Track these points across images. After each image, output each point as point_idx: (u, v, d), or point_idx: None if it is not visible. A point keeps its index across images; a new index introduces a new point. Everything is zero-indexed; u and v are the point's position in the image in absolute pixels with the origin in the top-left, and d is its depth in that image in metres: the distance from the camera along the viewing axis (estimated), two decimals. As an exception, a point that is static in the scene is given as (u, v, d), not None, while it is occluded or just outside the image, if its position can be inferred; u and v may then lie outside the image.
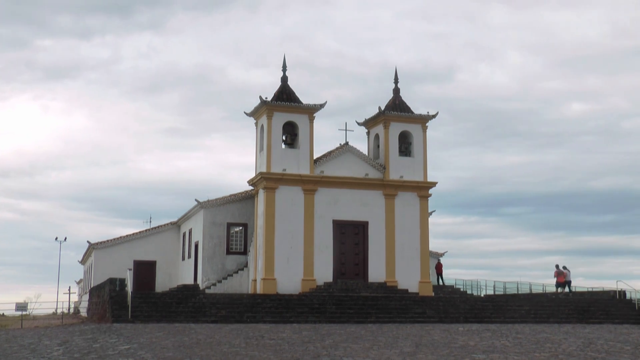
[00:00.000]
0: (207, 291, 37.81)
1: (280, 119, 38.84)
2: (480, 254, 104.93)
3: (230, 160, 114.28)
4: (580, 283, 46.30)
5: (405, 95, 38.59)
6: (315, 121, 39.43)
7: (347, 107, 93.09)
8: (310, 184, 38.59)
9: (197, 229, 42.22)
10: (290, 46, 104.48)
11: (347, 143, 40.17)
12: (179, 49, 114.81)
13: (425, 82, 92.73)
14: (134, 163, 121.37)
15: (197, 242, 41.83)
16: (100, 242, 46.43)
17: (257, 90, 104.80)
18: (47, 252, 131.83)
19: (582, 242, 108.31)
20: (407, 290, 38.47)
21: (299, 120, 39.11)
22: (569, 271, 42.36)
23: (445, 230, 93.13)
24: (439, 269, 45.23)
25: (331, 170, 39.28)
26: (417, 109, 40.95)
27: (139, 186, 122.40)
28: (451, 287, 44.50)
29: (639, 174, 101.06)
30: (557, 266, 42.52)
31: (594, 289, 44.52)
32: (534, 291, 45.97)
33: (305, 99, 39.97)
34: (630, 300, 39.07)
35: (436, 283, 44.22)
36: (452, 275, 50.44)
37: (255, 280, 38.41)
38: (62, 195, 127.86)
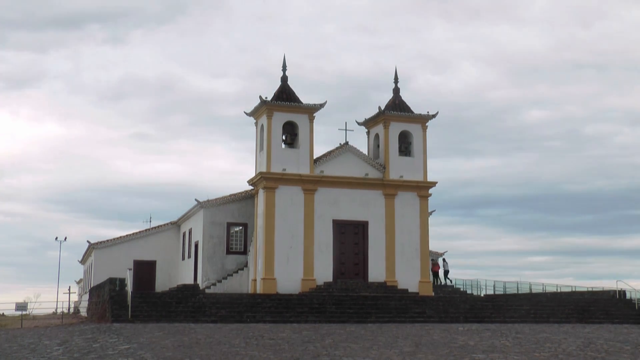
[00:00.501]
0: (207, 291, 37.81)
1: (280, 118, 38.84)
2: (467, 254, 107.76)
3: (203, 164, 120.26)
4: (570, 283, 47.08)
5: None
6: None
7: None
8: (310, 184, 38.60)
9: (197, 228, 42.22)
10: (246, 57, 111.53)
11: (347, 143, 40.16)
12: (138, 60, 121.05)
13: (381, 90, 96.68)
14: (107, 166, 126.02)
15: (197, 241, 41.83)
16: (100, 242, 46.43)
17: (221, 98, 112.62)
18: (35, 252, 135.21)
19: (565, 243, 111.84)
20: (407, 290, 38.47)
21: (299, 120, 39.12)
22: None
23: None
24: (434, 268, 45.17)
25: (331, 170, 39.28)
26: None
27: (115, 188, 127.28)
28: (451, 286, 44.50)
29: (608, 177, 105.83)
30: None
31: (594, 289, 44.57)
32: (534, 291, 46.00)
33: (304, 98, 39.99)
34: (630, 300, 39.09)
35: (438, 282, 44.21)
36: (451, 275, 50.74)
37: (255, 280, 38.41)
38: (38, 197, 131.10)
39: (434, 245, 45.06)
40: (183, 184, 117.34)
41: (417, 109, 41.35)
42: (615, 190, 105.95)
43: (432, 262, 45.02)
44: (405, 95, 41.67)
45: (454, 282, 46.20)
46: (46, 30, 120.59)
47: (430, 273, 44.84)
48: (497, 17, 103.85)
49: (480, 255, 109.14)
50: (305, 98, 39.62)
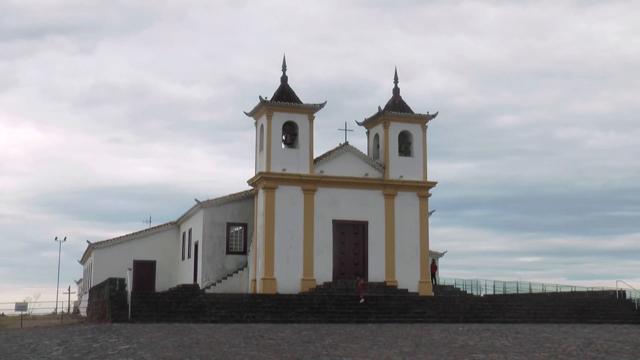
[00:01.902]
0: (206, 291, 37.80)
1: (280, 118, 38.83)
2: (456, 255, 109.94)
3: (182, 167, 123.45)
4: (563, 283, 47.50)
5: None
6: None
7: None
8: (310, 184, 38.59)
9: (196, 228, 42.21)
10: (214, 65, 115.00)
11: (347, 143, 40.15)
12: (108, 69, 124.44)
13: (350, 97, 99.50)
14: (87, 170, 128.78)
15: (197, 242, 41.82)
16: (100, 242, 46.41)
17: (194, 104, 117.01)
18: (26, 253, 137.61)
19: (552, 244, 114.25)
20: (406, 290, 38.46)
21: (299, 120, 39.10)
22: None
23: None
24: (432, 269, 44.92)
25: (331, 170, 39.27)
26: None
27: (97, 190, 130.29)
28: (450, 286, 44.46)
29: (585, 179, 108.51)
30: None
31: (593, 289, 44.57)
32: (533, 291, 45.99)
33: (304, 98, 39.99)
34: (630, 300, 39.10)
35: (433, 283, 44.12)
36: (448, 275, 51.01)
37: (255, 280, 38.40)
38: (20, 200, 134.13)
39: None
40: (165, 186, 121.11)
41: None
42: (592, 192, 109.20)
43: (432, 263, 45.00)
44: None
45: (453, 283, 46.16)
46: (13, 41, 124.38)
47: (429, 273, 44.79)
48: (453, 28, 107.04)
49: (470, 256, 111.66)
50: None
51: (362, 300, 33.62)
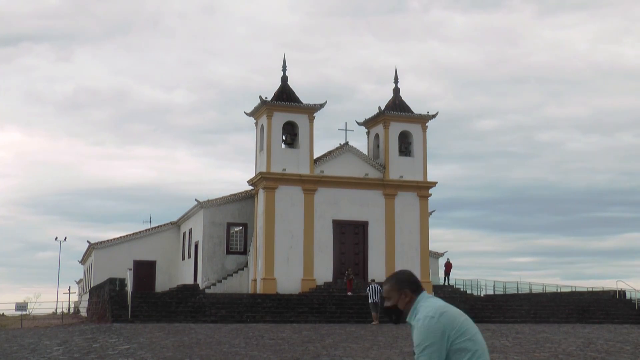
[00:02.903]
0: (207, 291, 37.78)
1: (280, 118, 38.83)
2: (450, 255, 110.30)
3: (168, 169, 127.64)
4: (559, 283, 47.70)
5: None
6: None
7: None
8: (310, 184, 38.57)
9: (197, 228, 42.20)
10: (191, 71, 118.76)
11: (347, 143, 40.15)
12: (88, 75, 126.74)
13: (331, 101, 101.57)
14: (74, 172, 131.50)
15: (197, 242, 41.81)
16: (100, 242, 46.43)
17: (176, 108, 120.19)
18: (21, 254, 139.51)
19: (544, 244, 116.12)
20: (407, 290, 38.39)
21: (299, 120, 39.10)
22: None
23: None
24: (448, 268, 44.81)
25: (331, 170, 39.26)
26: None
27: (85, 192, 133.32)
28: (451, 287, 44.44)
29: (568, 181, 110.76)
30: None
31: (593, 289, 44.56)
32: (533, 291, 45.97)
33: (304, 98, 39.98)
34: (630, 300, 39.08)
35: (442, 282, 44.13)
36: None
37: (255, 280, 38.40)
38: (8, 201, 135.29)
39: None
40: (152, 187, 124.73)
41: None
42: (576, 194, 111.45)
43: (447, 262, 44.64)
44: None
45: (453, 283, 46.15)
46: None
47: (444, 271, 44.70)
48: (425, 35, 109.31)
49: (463, 257, 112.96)
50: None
51: (350, 294, 33.97)
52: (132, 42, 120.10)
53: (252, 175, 39.87)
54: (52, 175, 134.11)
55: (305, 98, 39.96)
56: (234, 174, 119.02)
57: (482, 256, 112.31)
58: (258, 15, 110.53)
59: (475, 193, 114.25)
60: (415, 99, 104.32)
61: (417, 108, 41.86)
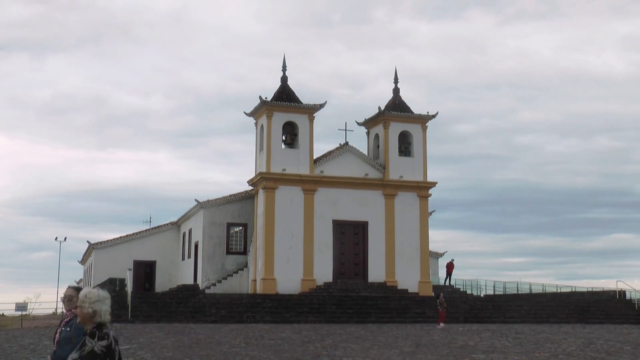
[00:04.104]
0: (206, 291, 37.78)
1: (280, 119, 38.82)
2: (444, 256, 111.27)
3: (150, 170, 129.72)
4: (554, 283, 47.83)
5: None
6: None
7: (241, 129, 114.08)
8: (310, 184, 38.57)
9: (197, 229, 42.19)
10: (165, 78, 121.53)
11: (347, 143, 40.14)
12: (65, 81, 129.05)
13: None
14: (60, 174, 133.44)
15: (197, 242, 41.80)
16: (100, 242, 46.40)
17: (154, 113, 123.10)
18: (16, 254, 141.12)
19: (534, 245, 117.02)
20: (407, 290, 38.44)
21: (299, 120, 39.09)
22: None
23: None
24: (449, 268, 44.75)
25: (331, 170, 39.26)
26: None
27: (72, 194, 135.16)
28: (451, 287, 44.43)
29: (551, 182, 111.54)
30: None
31: (594, 289, 44.57)
32: (533, 291, 45.97)
33: (306, 96, 39.97)
34: (630, 300, 39.09)
35: (443, 283, 44.10)
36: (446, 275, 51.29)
37: (255, 280, 38.39)
38: None
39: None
40: (135, 189, 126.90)
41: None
42: (558, 195, 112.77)
43: (450, 262, 44.48)
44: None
45: (453, 283, 46.14)
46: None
47: (446, 272, 44.67)
48: (393, 43, 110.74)
49: (455, 257, 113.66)
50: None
51: (442, 325, 28.92)
52: (105, 51, 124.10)
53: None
54: (38, 178, 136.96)
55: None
56: (217, 176, 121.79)
57: (474, 257, 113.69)
58: (226, 26, 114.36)
59: (460, 195, 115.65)
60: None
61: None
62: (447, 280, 44.57)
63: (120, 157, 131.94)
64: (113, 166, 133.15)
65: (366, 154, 41.13)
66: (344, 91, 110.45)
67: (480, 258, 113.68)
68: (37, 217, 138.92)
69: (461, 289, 44.25)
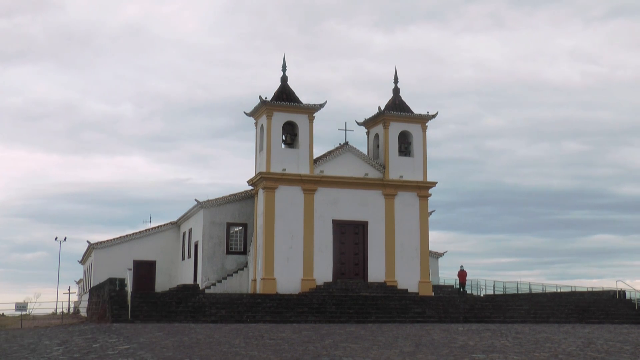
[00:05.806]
0: (206, 291, 37.80)
1: (280, 118, 38.83)
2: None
3: (126, 173, 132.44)
4: (546, 282, 48.20)
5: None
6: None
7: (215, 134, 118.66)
8: (310, 184, 38.58)
9: (196, 228, 42.20)
10: (131, 86, 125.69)
11: (347, 143, 40.14)
12: (35, 89, 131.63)
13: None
14: (39, 178, 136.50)
15: (197, 242, 41.82)
16: (100, 242, 46.41)
17: (126, 120, 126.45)
18: (9, 255, 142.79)
19: (520, 245, 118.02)
20: (406, 290, 38.45)
21: (299, 120, 39.10)
22: None
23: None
24: (462, 277, 42.73)
25: (331, 170, 39.26)
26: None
27: (52, 196, 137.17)
28: (450, 287, 44.42)
29: (525, 185, 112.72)
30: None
31: (594, 289, 44.59)
32: (533, 291, 45.99)
33: (306, 96, 39.98)
34: (630, 300, 39.10)
35: (458, 292, 42.68)
36: (448, 275, 51.20)
37: (255, 280, 38.40)
38: None
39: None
40: (111, 191, 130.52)
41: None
42: (533, 197, 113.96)
43: (461, 270, 42.74)
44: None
45: (453, 283, 46.13)
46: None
47: (458, 282, 43.08)
48: (352, 53, 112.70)
49: (444, 257, 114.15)
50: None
51: None
52: (70, 60, 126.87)
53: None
54: (16, 181, 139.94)
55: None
56: (196, 180, 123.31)
57: (463, 257, 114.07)
58: (184, 39, 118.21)
59: (437, 197, 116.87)
60: (354, 111, 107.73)
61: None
62: (462, 289, 42.72)
63: (96, 162, 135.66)
64: (90, 169, 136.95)
65: (366, 154, 41.13)
66: (308, 97, 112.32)
67: (470, 258, 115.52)
68: (17, 218, 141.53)
69: (461, 289, 44.18)
